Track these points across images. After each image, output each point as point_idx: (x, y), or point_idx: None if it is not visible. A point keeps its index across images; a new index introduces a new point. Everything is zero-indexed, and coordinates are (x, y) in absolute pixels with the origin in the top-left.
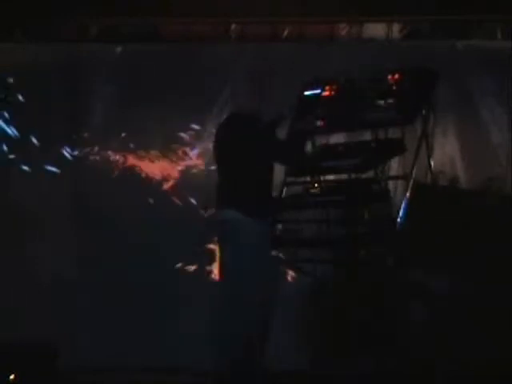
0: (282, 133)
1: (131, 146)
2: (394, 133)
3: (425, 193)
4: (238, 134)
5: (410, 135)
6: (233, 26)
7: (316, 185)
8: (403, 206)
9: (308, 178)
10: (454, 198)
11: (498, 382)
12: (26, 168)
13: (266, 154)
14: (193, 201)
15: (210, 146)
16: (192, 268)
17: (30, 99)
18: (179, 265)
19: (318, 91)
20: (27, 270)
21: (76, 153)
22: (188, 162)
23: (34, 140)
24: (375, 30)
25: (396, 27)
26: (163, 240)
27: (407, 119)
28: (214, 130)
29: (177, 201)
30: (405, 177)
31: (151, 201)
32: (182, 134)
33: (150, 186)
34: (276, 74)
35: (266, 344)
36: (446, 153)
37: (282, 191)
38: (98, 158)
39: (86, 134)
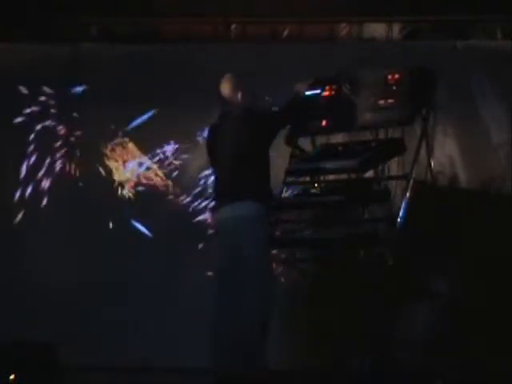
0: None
1: (131, 145)
2: (394, 133)
3: (425, 193)
4: (236, 132)
5: (409, 135)
6: (233, 26)
7: (316, 185)
8: (403, 205)
9: (308, 178)
10: (454, 197)
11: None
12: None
13: (264, 148)
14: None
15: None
16: (192, 267)
17: (29, 99)
18: (179, 264)
19: (318, 91)
20: (27, 270)
21: (75, 152)
22: (188, 161)
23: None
24: (375, 29)
25: (396, 27)
26: (163, 239)
27: (407, 119)
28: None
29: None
30: (405, 177)
31: (151, 199)
32: (182, 134)
33: (149, 185)
34: (275, 73)
35: (266, 344)
36: (445, 153)
37: (282, 191)
38: (96, 157)
39: (85, 134)
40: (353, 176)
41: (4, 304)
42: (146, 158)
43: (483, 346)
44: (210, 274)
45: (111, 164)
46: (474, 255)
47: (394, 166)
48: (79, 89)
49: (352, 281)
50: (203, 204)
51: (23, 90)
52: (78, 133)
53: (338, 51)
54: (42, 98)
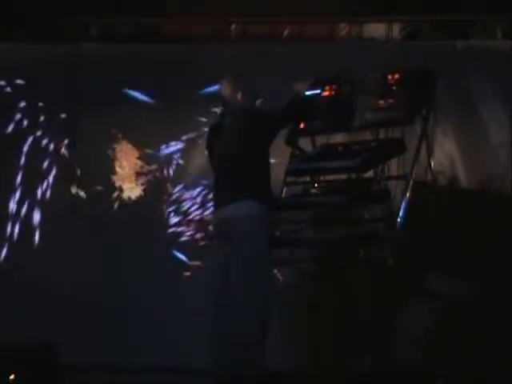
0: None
1: (130, 146)
2: (393, 133)
3: (425, 193)
4: (236, 132)
5: (409, 135)
6: (233, 26)
7: (316, 185)
8: (403, 205)
9: (308, 178)
10: (454, 198)
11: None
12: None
13: (265, 148)
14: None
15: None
16: (192, 268)
17: (29, 99)
18: (179, 265)
19: (318, 91)
20: (27, 270)
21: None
22: (188, 161)
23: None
24: (375, 29)
25: (396, 27)
26: (164, 240)
27: (407, 119)
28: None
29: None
30: (405, 177)
31: (149, 199)
32: (182, 134)
33: (148, 185)
34: (275, 73)
35: (266, 344)
36: (445, 153)
37: (282, 191)
38: (96, 157)
39: (85, 135)
40: (353, 176)
41: (4, 304)
42: (146, 158)
43: (483, 346)
44: (209, 273)
45: (111, 164)
46: (473, 255)
47: (394, 166)
48: (79, 89)
49: (352, 281)
50: (201, 203)
51: (22, 89)
52: (77, 133)
53: (338, 51)
54: (42, 98)
